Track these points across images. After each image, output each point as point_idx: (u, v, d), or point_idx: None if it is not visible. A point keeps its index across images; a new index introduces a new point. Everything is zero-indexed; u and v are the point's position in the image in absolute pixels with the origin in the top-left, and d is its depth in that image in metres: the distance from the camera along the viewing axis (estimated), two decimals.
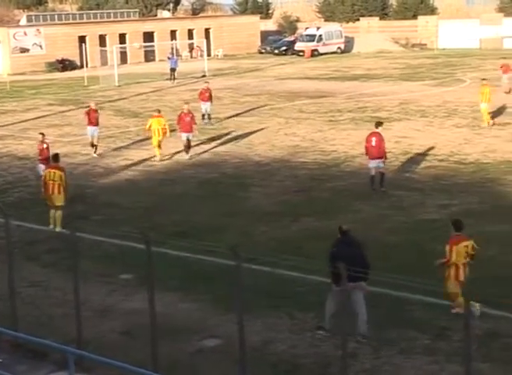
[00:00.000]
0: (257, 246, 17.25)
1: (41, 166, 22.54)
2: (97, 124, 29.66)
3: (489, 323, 13.30)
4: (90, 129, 29.63)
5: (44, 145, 23.29)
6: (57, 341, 11.71)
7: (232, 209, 21.18)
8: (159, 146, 28.23)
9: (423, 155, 27.67)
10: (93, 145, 29.67)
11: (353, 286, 12.51)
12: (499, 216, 20.03)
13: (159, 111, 29.19)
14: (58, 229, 19.68)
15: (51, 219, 19.93)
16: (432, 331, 13.31)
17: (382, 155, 22.66)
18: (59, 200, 20.00)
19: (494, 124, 32.52)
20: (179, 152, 28.76)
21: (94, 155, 29.47)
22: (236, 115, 38.49)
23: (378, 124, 23.31)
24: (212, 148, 30.41)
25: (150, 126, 28.30)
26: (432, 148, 28.70)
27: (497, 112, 35.06)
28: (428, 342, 12.99)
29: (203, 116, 35.16)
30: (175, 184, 24.86)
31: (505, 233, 18.67)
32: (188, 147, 28.30)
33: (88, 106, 31.05)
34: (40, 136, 23.72)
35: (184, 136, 28.13)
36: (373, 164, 22.66)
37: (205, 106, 35.28)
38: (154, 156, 28.47)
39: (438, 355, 12.54)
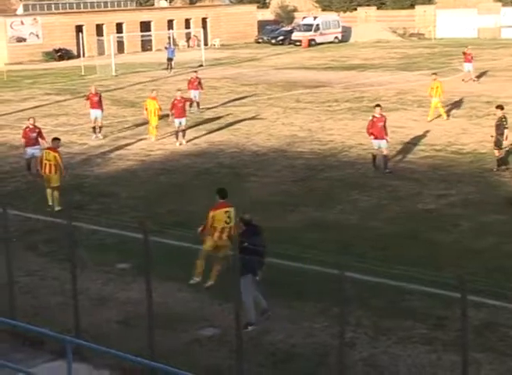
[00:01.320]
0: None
1: (29, 149, 24.52)
2: (98, 107, 30.88)
3: (486, 313, 13.34)
4: (92, 112, 30.92)
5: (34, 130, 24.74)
6: (54, 330, 11.71)
7: (229, 199, 21.12)
8: (156, 127, 29.94)
9: (420, 145, 27.67)
10: (94, 128, 30.94)
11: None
12: (496, 206, 20.06)
13: (153, 91, 31.29)
14: (57, 208, 20.46)
15: (49, 196, 20.91)
16: (429, 321, 13.35)
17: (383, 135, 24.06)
18: (55, 180, 20.91)
19: (449, 117, 32.45)
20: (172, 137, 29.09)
21: (99, 136, 30.75)
22: (233, 104, 38.44)
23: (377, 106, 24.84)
24: (209, 138, 30.38)
25: (146, 108, 30.03)
26: (429, 138, 28.71)
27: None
28: (426, 332, 13.02)
29: (191, 104, 35.35)
30: (172, 174, 24.85)
31: (502, 223, 18.70)
32: (183, 132, 29.24)
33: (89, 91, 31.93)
34: (32, 120, 25.18)
35: (177, 121, 29.03)
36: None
37: (194, 94, 35.65)
38: (149, 137, 29.89)
39: (435, 344, 12.58)
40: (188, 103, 31.57)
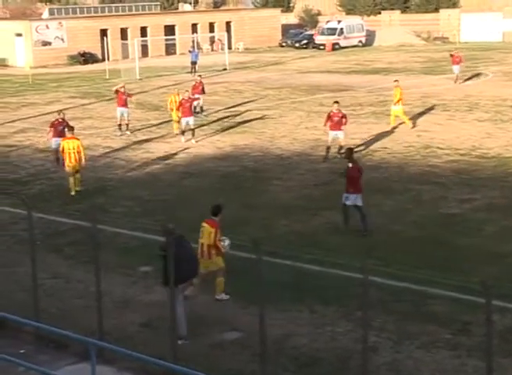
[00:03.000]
0: (277, 240, 17.23)
1: (55, 140, 25.87)
2: (125, 105, 32.18)
3: (511, 318, 13.24)
4: (119, 109, 32.42)
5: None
6: (78, 333, 11.75)
7: (252, 203, 21.18)
8: (178, 121, 31.12)
9: (444, 149, 27.54)
10: (120, 126, 32.35)
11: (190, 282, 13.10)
12: None
13: (177, 90, 33.13)
14: (78, 188, 22.99)
15: (71, 185, 22.90)
16: (453, 326, 13.27)
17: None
18: (78, 166, 23.04)
19: (414, 126, 31.69)
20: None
21: (127, 132, 32.24)
22: (258, 108, 38.47)
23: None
24: (233, 141, 30.41)
25: (170, 103, 32.11)
26: (453, 142, 28.57)
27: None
28: (450, 337, 12.95)
29: (194, 108, 35.53)
30: (195, 177, 24.89)
31: None
32: (192, 131, 30.26)
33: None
34: (62, 114, 26.75)
35: (184, 121, 30.07)
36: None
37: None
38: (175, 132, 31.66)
39: (459, 349, 12.50)
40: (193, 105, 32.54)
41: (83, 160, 23.10)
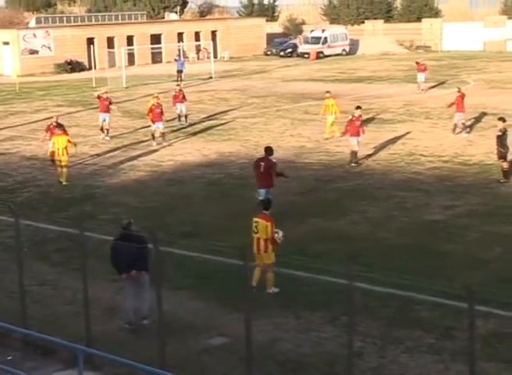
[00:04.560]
0: None
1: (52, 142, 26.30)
2: (107, 111, 33.02)
3: (494, 323, 13.28)
4: (101, 115, 33.27)
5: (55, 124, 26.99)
6: (66, 339, 11.70)
7: (238, 210, 21.12)
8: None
9: (428, 156, 27.64)
10: (102, 129, 33.23)
11: (135, 275, 13.52)
12: (502, 217, 20.01)
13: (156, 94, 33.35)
14: (64, 182, 24.89)
15: (60, 174, 25.04)
16: (437, 331, 13.29)
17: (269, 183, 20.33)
18: (65, 160, 25.14)
19: (328, 138, 31.44)
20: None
21: (107, 138, 32.89)
22: (243, 116, 38.49)
23: (267, 150, 20.74)
24: (218, 148, 30.40)
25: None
26: (436, 150, 28.67)
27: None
28: (434, 341, 12.97)
29: (179, 117, 36.21)
30: (182, 185, 24.87)
31: (508, 234, 18.63)
32: (162, 134, 31.54)
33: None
34: (55, 118, 27.98)
35: (155, 125, 31.43)
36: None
37: (180, 107, 36.15)
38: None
39: (443, 354, 12.52)
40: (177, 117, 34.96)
41: (75, 149, 26.38)
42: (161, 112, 31.42)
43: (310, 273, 14.35)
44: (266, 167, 20.12)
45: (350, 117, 27.24)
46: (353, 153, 26.71)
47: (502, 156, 23.74)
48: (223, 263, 15.36)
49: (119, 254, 13.60)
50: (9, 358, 12.45)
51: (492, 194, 22.44)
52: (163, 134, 31.60)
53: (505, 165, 23.77)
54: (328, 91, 32.86)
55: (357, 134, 26.68)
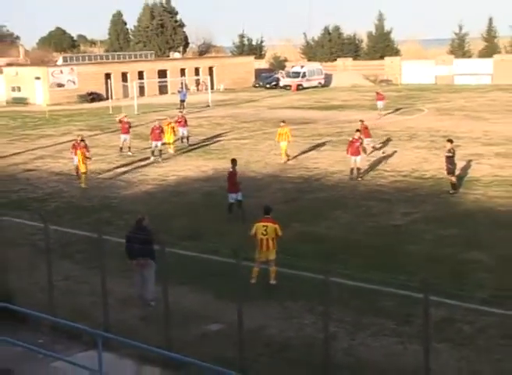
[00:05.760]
0: (254, 248, 17.16)
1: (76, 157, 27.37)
2: (127, 132, 33.27)
3: (445, 310, 13.28)
4: (123, 136, 33.60)
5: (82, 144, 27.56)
6: (87, 325, 11.64)
7: (231, 217, 21.10)
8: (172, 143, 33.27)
9: (389, 171, 27.68)
10: (121, 148, 33.61)
11: (143, 262, 13.83)
12: (451, 222, 20.04)
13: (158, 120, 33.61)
14: (83, 185, 26.08)
15: (81, 179, 26.39)
16: (398, 317, 13.29)
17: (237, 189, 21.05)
18: (83, 168, 26.40)
19: (288, 160, 30.51)
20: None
21: (129, 153, 33.22)
22: (235, 138, 38.48)
23: (233, 161, 21.51)
24: (214, 165, 30.32)
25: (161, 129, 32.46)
26: (396, 166, 28.72)
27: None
28: (395, 327, 12.97)
29: (182, 139, 35.87)
30: (184, 195, 24.81)
31: (457, 236, 18.69)
32: (160, 152, 31.56)
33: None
34: (80, 137, 28.23)
35: (154, 144, 31.61)
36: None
37: (183, 130, 35.75)
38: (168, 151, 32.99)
39: (402, 336, 12.53)
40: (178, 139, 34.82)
41: (90, 157, 27.32)
42: (161, 133, 31.50)
43: (293, 269, 14.36)
44: (232, 176, 21.13)
45: (351, 139, 27.01)
46: (358, 169, 26.30)
47: (450, 172, 23.81)
48: (219, 262, 15.32)
49: (131, 243, 13.96)
50: (41, 341, 12.38)
51: (444, 203, 22.49)
52: (160, 152, 31.51)
53: (453, 179, 23.86)
54: (283, 121, 31.87)
55: (357, 154, 26.38)
